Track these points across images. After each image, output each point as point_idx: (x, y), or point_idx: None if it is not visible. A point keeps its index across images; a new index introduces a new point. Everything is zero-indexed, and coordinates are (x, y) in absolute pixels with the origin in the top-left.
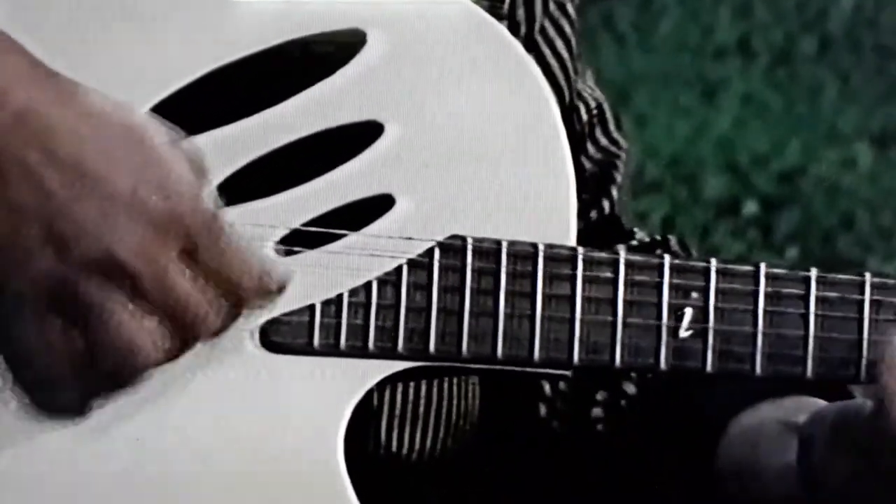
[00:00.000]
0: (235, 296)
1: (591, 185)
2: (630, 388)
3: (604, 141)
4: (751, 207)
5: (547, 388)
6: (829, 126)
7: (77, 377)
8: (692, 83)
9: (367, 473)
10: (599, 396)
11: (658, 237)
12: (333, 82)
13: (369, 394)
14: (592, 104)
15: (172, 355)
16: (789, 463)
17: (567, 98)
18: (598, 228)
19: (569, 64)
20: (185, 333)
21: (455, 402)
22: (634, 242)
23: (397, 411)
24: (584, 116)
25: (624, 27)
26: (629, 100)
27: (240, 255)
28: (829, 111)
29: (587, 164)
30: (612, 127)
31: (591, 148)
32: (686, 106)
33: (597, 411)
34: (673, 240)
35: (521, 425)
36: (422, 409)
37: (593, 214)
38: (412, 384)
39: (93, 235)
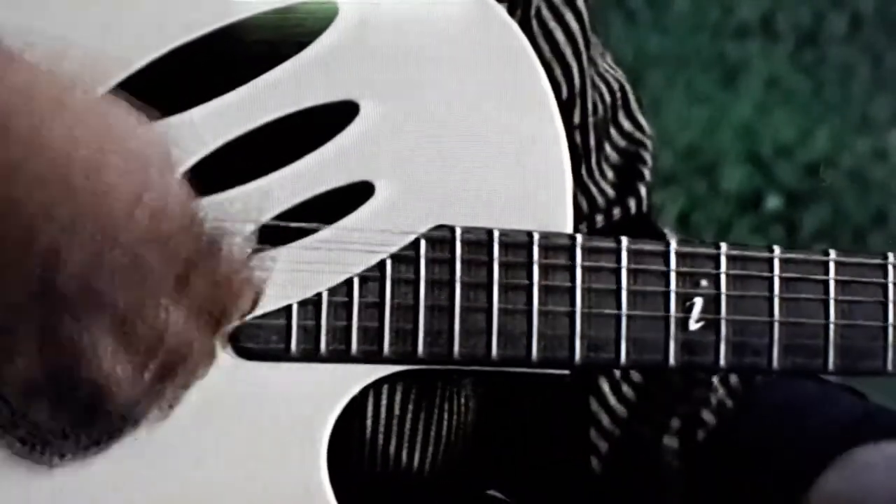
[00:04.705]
0: (220, 326)
1: (616, 180)
2: (709, 417)
3: (627, 125)
4: (774, 202)
5: (603, 415)
6: (860, 113)
7: (39, 413)
8: (710, 66)
9: (352, 491)
10: (674, 424)
11: None
12: (302, 59)
13: (354, 404)
14: (615, 85)
15: (150, 399)
16: None
17: (577, 75)
18: (624, 229)
19: (579, 36)
20: (164, 372)
21: (447, 415)
22: None
23: (382, 424)
24: (608, 98)
25: (635, 3)
26: (641, 84)
27: (235, 285)
28: (860, 97)
29: (612, 154)
30: (634, 107)
31: (615, 134)
32: (704, 91)
33: (670, 441)
34: None
35: (519, 441)
36: (409, 421)
37: (616, 212)
38: (399, 394)
39: (74, 260)
